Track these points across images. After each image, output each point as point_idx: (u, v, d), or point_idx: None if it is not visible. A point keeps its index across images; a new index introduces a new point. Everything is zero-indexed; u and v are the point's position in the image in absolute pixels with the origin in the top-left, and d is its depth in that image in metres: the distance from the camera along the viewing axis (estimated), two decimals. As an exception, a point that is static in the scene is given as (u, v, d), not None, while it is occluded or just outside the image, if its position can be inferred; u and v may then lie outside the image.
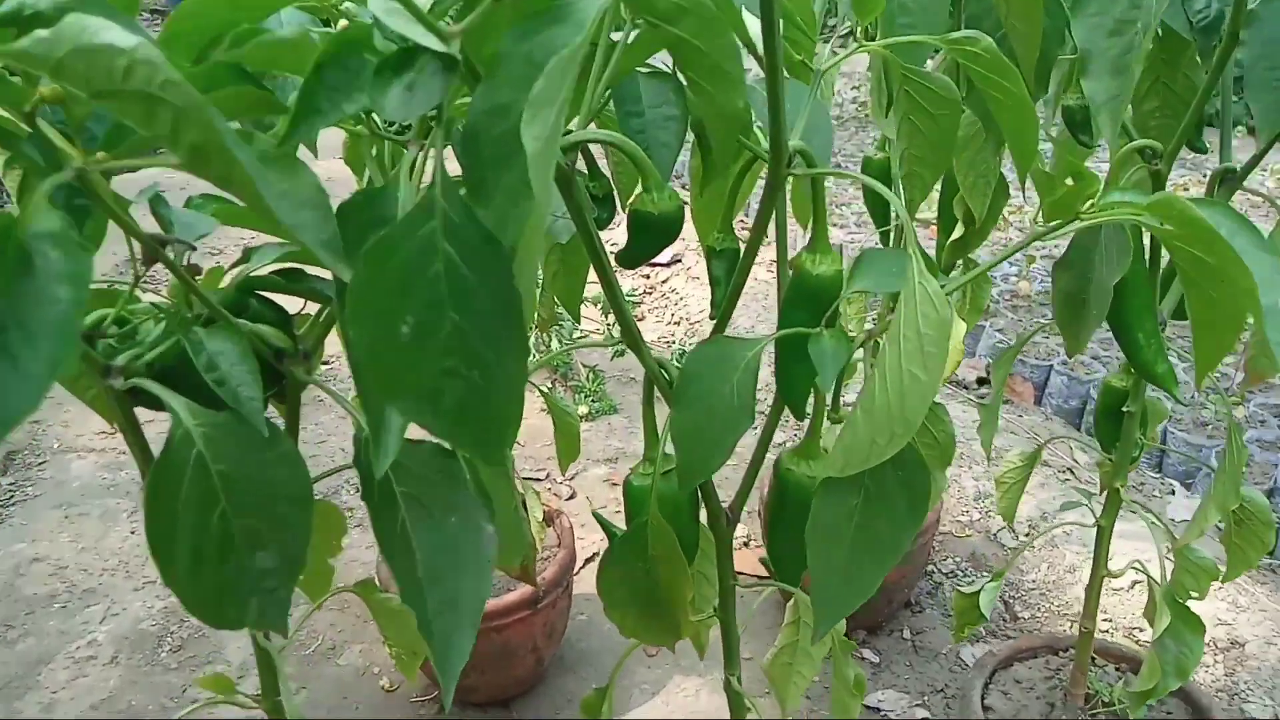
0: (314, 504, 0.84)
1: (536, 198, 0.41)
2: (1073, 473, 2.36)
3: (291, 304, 0.74)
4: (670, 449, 0.79)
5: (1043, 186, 0.65)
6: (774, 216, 0.72)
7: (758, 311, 3.36)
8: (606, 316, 3.26)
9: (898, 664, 1.86)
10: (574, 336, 3.20)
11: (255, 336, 0.66)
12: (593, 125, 0.65)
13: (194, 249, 0.66)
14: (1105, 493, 1.48)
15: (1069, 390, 2.75)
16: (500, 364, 0.45)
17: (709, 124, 0.59)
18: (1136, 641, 1.87)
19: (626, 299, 3.11)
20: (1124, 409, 1.21)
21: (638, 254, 0.68)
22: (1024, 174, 0.64)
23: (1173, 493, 2.33)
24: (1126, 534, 2.04)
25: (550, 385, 3.00)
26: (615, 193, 0.82)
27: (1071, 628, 1.89)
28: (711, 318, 0.92)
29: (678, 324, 3.48)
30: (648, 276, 3.76)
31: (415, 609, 0.64)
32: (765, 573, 0.98)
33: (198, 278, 0.66)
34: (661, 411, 0.80)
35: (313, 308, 0.73)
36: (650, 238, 0.66)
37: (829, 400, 0.88)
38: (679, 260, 3.84)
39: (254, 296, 0.73)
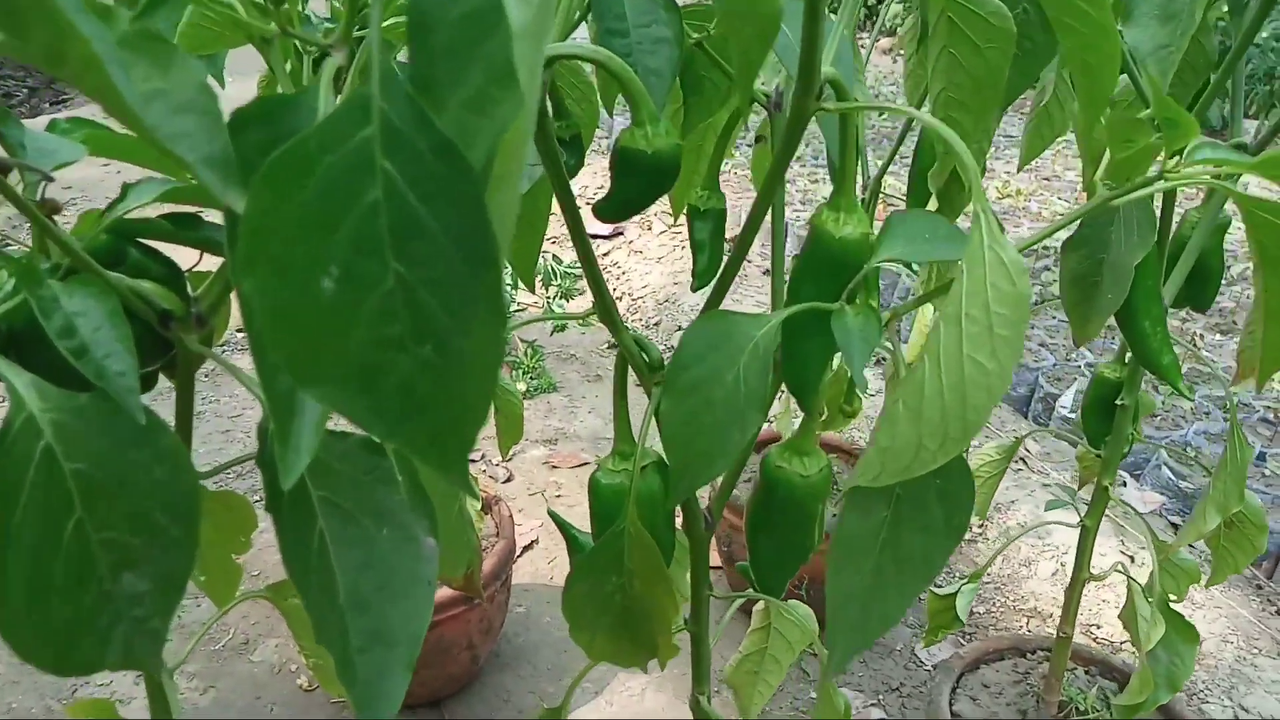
0: (205, 503, 0.69)
1: (522, 91, 0.28)
2: (1025, 463, 2.31)
3: (188, 257, 0.59)
4: (656, 442, 0.67)
5: (1117, 139, 0.55)
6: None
7: (703, 290, 3.25)
8: (546, 289, 3.11)
9: (862, 664, 1.77)
10: (511, 309, 3.05)
11: (134, 294, 0.52)
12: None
13: (50, 179, 0.51)
14: (1085, 489, 1.40)
15: (1017, 378, 2.71)
16: (464, 333, 0.32)
17: (729, 27, 0.47)
18: (1094, 639, 1.82)
19: (565, 273, 2.96)
20: (1117, 402, 1.13)
21: (625, 203, 0.55)
22: (1091, 125, 0.53)
23: (1124, 484, 2.29)
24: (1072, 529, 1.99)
25: (487, 361, 2.85)
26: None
27: (1029, 624, 1.84)
28: (693, 289, 0.79)
29: (619, 299, 3.35)
30: (590, 250, 3.61)
31: (332, 646, 0.50)
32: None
33: (55, 217, 0.51)
34: (635, 402, 0.68)
35: (214, 262, 0.59)
36: (641, 182, 0.53)
37: (845, 389, 0.78)
38: (620, 233, 3.71)
39: (135, 245, 0.58)
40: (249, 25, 0.50)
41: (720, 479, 0.78)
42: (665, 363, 0.68)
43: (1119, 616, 1.29)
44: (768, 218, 0.61)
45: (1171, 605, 1.14)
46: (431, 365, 0.33)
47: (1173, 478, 2.18)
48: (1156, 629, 1.06)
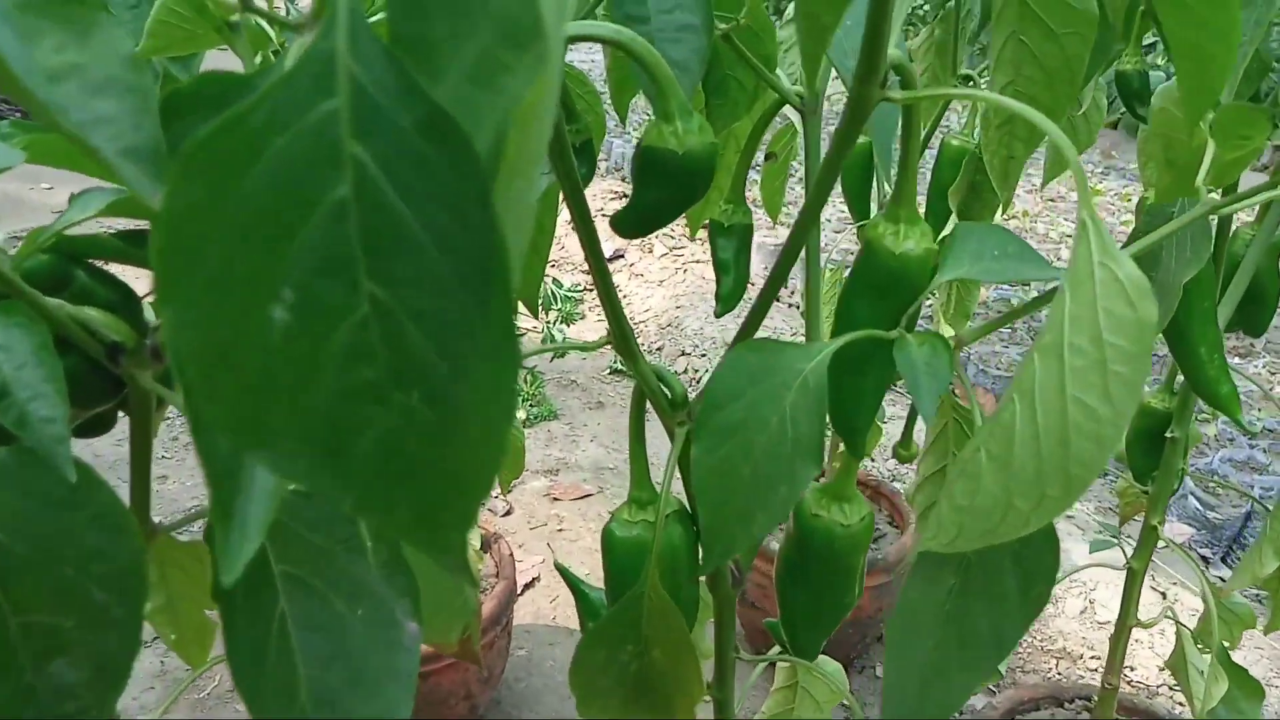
0: (173, 554, 0.61)
1: (548, 49, 0.21)
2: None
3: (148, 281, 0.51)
4: (676, 486, 0.59)
5: (1227, 135, 0.47)
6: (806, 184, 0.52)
7: (705, 313, 3.18)
8: (546, 313, 3.04)
9: (872, 707, 1.68)
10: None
11: (76, 324, 0.44)
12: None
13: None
14: (1127, 525, 1.32)
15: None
16: (462, 377, 0.24)
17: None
18: (1127, 682, 1.72)
19: (566, 297, 2.90)
20: (1167, 434, 1.05)
21: (649, 212, 0.47)
22: (1197, 118, 0.45)
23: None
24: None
25: (486, 389, 2.76)
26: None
27: (1059, 665, 1.74)
28: (717, 314, 0.72)
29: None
30: (588, 273, 3.54)
31: None
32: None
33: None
34: (653, 438, 0.60)
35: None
36: (670, 188, 0.46)
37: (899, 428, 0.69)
38: (621, 255, 3.64)
39: (82, 267, 0.51)
40: (215, 6, 0.42)
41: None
42: (690, 399, 0.60)
43: (1166, 664, 1.20)
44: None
45: (1230, 656, 1.06)
46: (420, 420, 0.25)
47: (1200, 508, 2.10)
48: (1218, 685, 0.97)
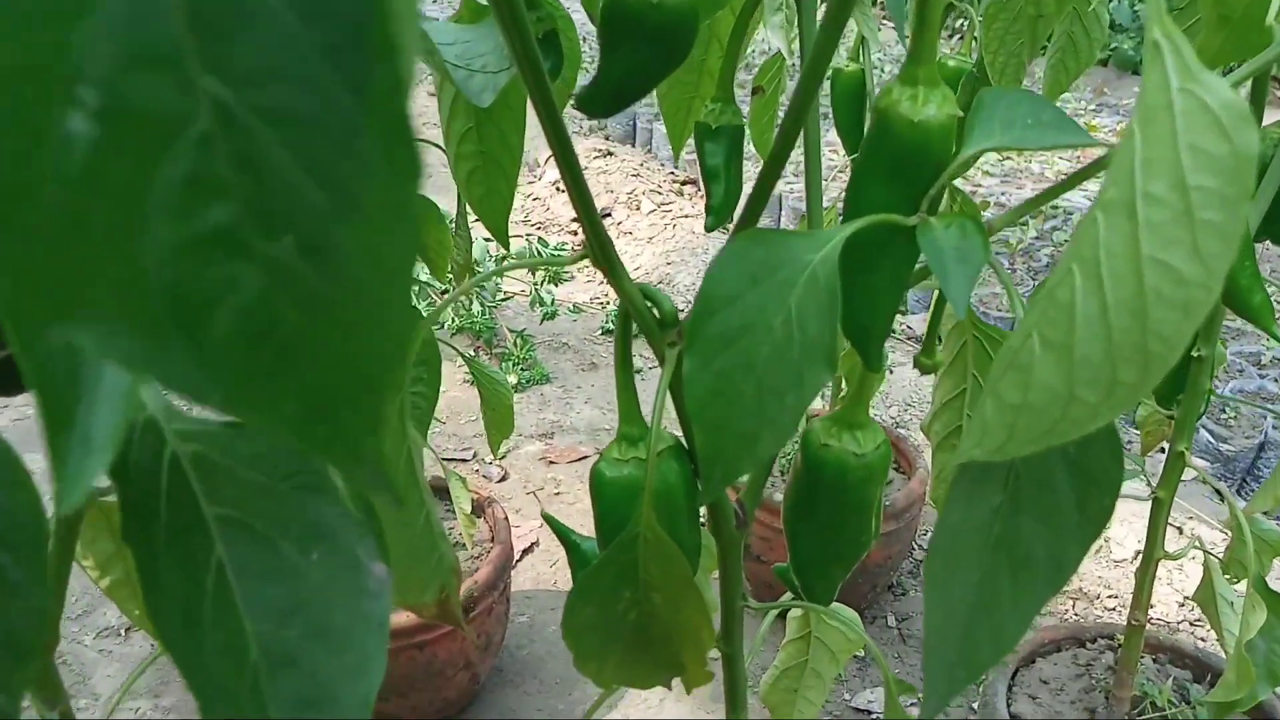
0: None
1: None
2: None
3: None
4: (670, 422, 0.52)
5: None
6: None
7: (698, 268, 3.10)
8: (533, 273, 2.96)
9: (884, 656, 1.63)
10: (497, 297, 2.90)
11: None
12: None
13: None
14: (1145, 455, 1.26)
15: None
16: (350, 213, 0.17)
17: None
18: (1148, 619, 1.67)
19: (553, 255, 2.84)
20: (1193, 353, 0.98)
21: (618, 86, 0.40)
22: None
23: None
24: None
25: (474, 352, 2.70)
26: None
27: (1075, 607, 1.70)
28: (707, 228, 0.64)
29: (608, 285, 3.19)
30: (575, 232, 3.46)
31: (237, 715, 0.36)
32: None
33: None
34: (645, 383, 0.53)
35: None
36: (643, 53, 0.39)
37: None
38: (608, 214, 3.56)
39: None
40: None
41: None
42: (680, 318, 0.53)
43: (1193, 598, 1.15)
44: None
45: (1266, 583, 1.00)
46: (297, 279, 0.18)
47: (1212, 440, 2.04)
48: (1256, 614, 0.91)
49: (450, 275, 2.96)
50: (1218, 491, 1.99)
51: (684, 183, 3.92)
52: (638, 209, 3.64)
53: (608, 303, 3.08)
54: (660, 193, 3.78)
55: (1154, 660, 1.25)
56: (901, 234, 0.42)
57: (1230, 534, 1.12)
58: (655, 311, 0.53)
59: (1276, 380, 2.26)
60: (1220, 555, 1.13)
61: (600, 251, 0.50)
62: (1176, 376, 1.02)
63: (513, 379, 2.61)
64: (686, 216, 3.51)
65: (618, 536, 0.49)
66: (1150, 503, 1.12)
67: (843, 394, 1.61)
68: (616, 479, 0.57)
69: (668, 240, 3.34)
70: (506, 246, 0.74)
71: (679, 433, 0.58)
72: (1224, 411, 2.15)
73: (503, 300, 2.95)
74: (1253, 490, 2.00)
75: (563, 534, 0.66)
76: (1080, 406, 0.32)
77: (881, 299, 0.44)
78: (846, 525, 0.62)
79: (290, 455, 0.38)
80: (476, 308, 2.90)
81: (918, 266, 0.47)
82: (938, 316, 0.45)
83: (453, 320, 2.78)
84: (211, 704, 0.34)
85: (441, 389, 2.46)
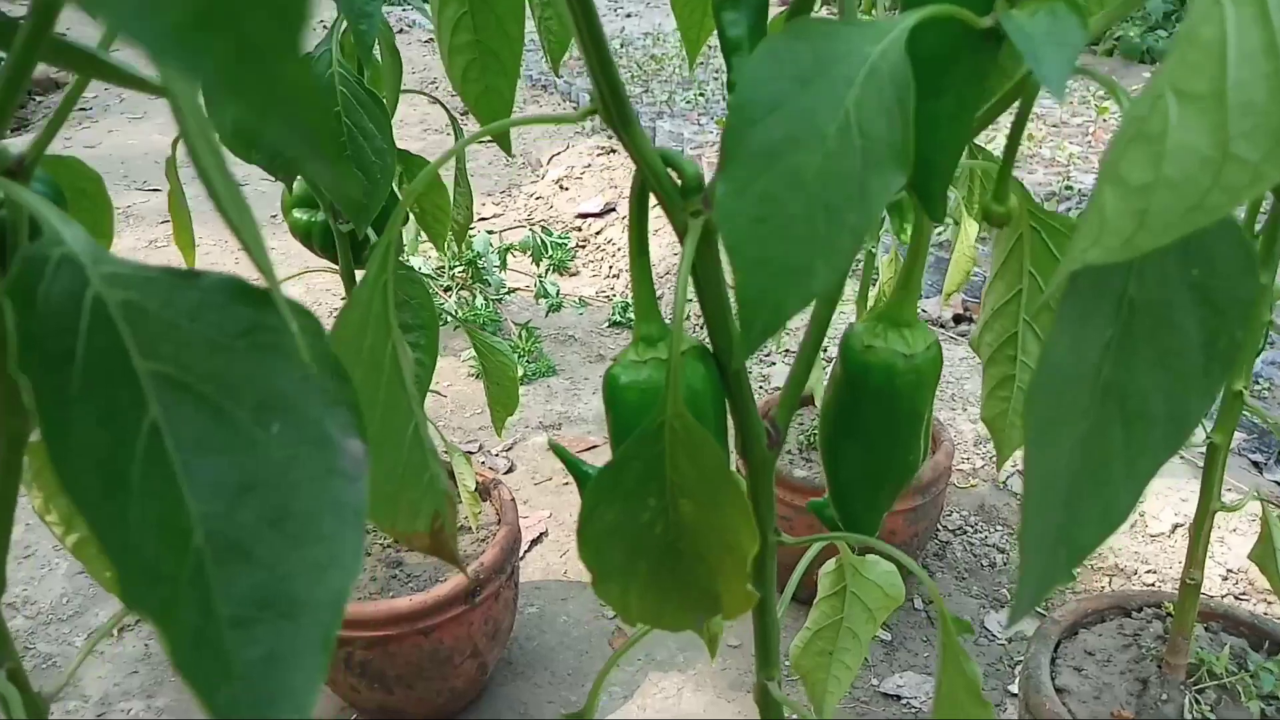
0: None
1: None
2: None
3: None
4: (694, 321, 0.46)
5: None
6: None
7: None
8: (538, 265, 2.90)
9: (913, 640, 1.55)
10: (501, 291, 2.83)
11: None
12: None
13: None
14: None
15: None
16: None
17: None
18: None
19: (556, 244, 2.76)
20: (1248, 284, 0.91)
21: None
22: None
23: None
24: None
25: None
26: None
27: (1111, 583, 1.62)
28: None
29: (616, 277, 3.13)
30: (579, 228, 3.40)
31: (175, 621, 0.29)
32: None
33: None
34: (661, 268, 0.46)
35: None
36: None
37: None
38: (613, 209, 3.49)
39: None
40: None
41: (788, 378, 0.57)
42: (705, 183, 0.46)
43: (1249, 557, 1.07)
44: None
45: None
46: None
47: (1246, 413, 1.96)
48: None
49: (450, 246, 2.87)
50: (1254, 464, 1.91)
51: (688, 178, 3.85)
52: (642, 203, 3.57)
53: (614, 295, 3.01)
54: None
55: (1206, 629, 1.17)
56: (970, 42, 0.36)
57: (1288, 487, 1.05)
58: (677, 176, 0.46)
59: (1309, 352, 2.19)
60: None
61: (613, 103, 0.43)
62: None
63: (519, 371, 2.54)
64: (691, 209, 3.44)
65: (639, 427, 0.42)
66: (1196, 460, 1.05)
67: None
68: (634, 383, 0.50)
69: (672, 232, 3.28)
70: (509, 153, 0.67)
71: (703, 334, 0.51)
72: (1257, 383, 2.07)
73: (506, 294, 2.88)
74: (1289, 463, 1.92)
75: (571, 463, 0.59)
76: (1237, 168, 0.25)
77: (946, 127, 0.38)
78: (895, 439, 0.55)
79: (242, 306, 0.32)
80: (480, 301, 2.84)
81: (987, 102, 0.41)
82: (1013, 149, 0.38)
83: (456, 314, 2.71)
84: (136, 584, 0.27)
85: (446, 383, 2.40)
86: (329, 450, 0.31)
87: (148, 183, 4.36)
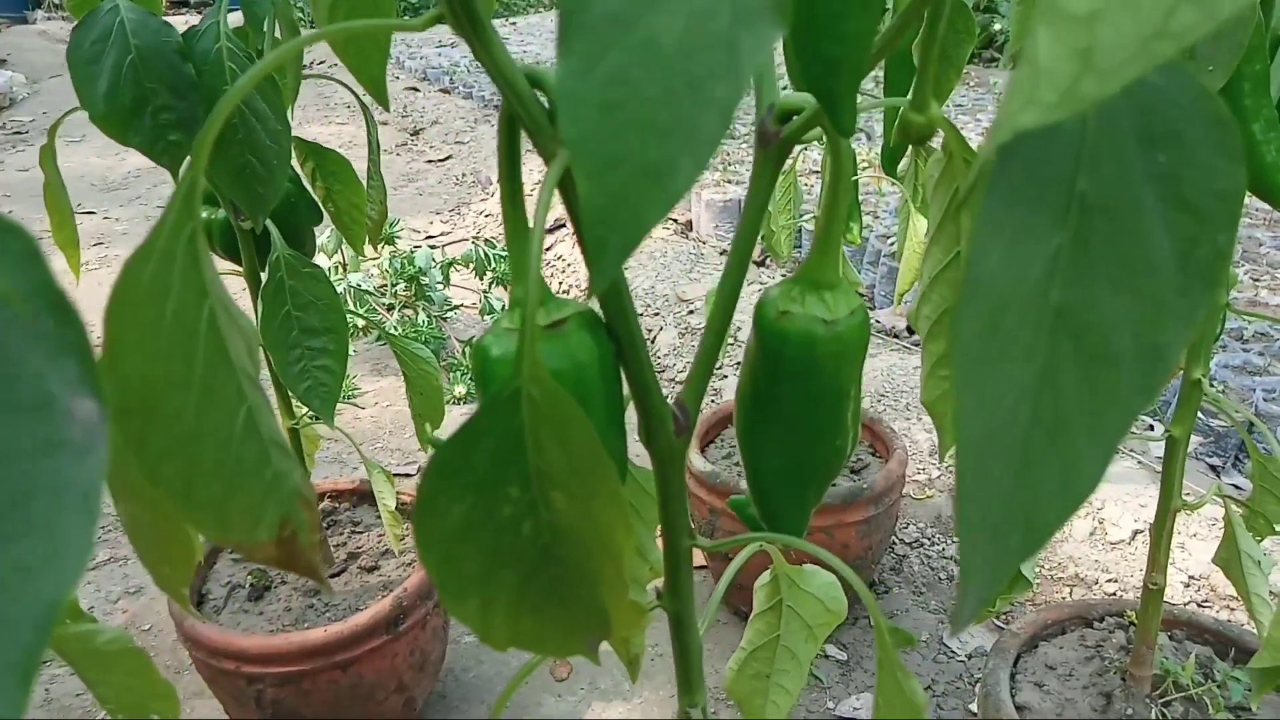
0: None
1: None
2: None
3: None
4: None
5: None
6: None
7: (656, 271, 2.97)
8: (481, 278, 2.81)
9: (869, 659, 1.48)
10: (444, 307, 2.74)
11: None
12: None
13: None
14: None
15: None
16: None
17: None
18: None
19: (500, 257, 2.68)
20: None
21: None
22: None
23: (1150, 427, 2.03)
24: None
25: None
26: None
27: (1072, 594, 1.55)
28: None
29: (565, 293, 3.05)
30: (529, 246, 3.31)
31: None
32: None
33: None
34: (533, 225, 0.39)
35: None
36: None
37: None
38: (563, 225, 3.42)
39: None
40: None
41: (697, 354, 0.49)
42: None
43: (1213, 560, 1.01)
44: None
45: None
46: None
47: (1203, 416, 1.92)
48: (1305, 557, 0.77)
49: (392, 263, 2.77)
50: (1211, 468, 1.87)
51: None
52: (592, 219, 3.51)
53: (562, 311, 2.93)
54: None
55: (1170, 637, 1.11)
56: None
57: (1251, 486, 0.99)
58: (543, 100, 0.38)
59: (1261, 354, 2.17)
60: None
61: (461, 8, 0.35)
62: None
63: (461, 389, 2.44)
64: (642, 224, 3.39)
65: (491, 394, 0.34)
66: (1155, 465, 0.99)
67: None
68: (507, 356, 0.42)
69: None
70: (386, 106, 0.59)
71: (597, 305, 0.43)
72: (1210, 386, 2.04)
73: (450, 311, 2.79)
74: (1246, 466, 1.88)
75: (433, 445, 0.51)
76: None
77: (855, 14, 0.30)
78: (818, 421, 0.48)
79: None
80: (422, 318, 2.75)
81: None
82: (931, 37, 0.31)
83: (395, 329, 2.61)
84: None
85: (386, 403, 2.27)
86: (49, 414, 0.23)
87: (82, 205, 4.21)
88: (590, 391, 0.43)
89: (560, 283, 3.11)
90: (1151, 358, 0.26)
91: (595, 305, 0.45)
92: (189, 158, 0.92)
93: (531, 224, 0.37)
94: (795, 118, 0.40)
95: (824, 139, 0.44)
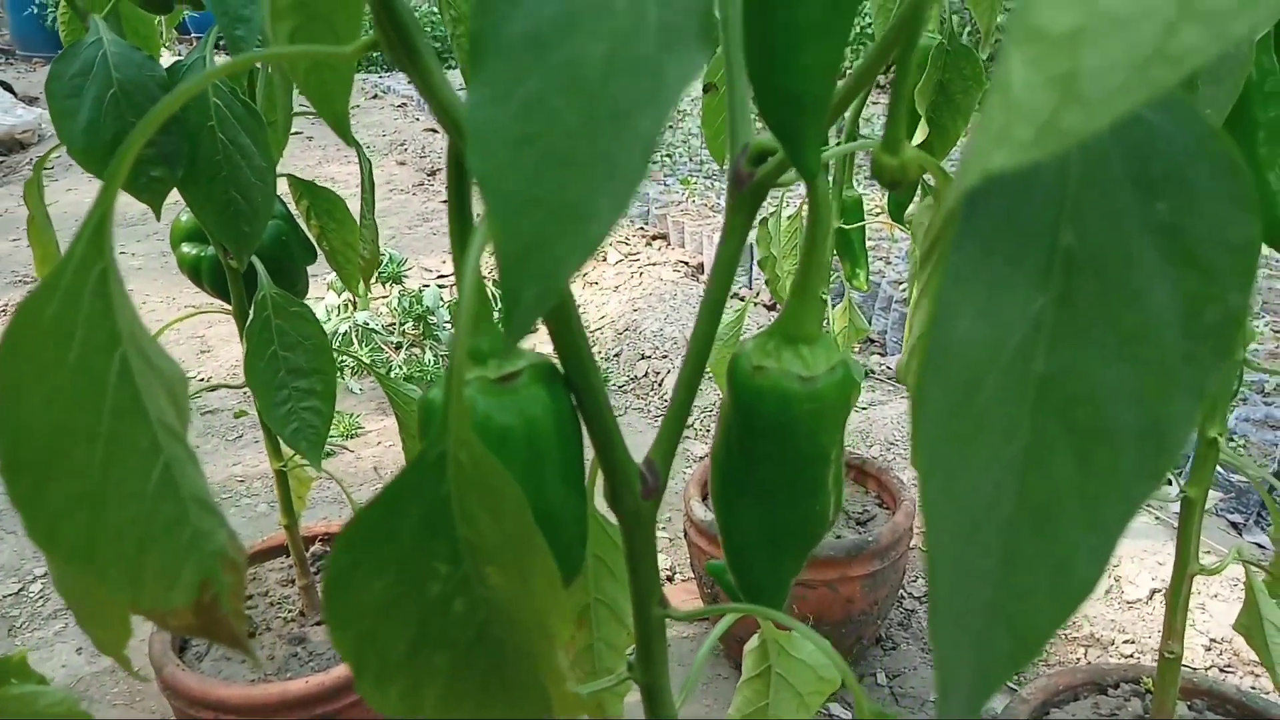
0: None
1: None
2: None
3: None
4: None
5: None
6: None
7: (665, 313, 2.94)
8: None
9: None
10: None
11: None
12: None
13: None
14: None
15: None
16: None
17: None
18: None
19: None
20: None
21: None
22: None
23: (1169, 482, 1.97)
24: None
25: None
26: None
27: (1088, 654, 1.49)
28: None
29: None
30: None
31: None
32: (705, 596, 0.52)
33: None
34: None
35: None
36: None
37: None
38: (574, 266, 3.41)
39: None
40: None
41: (666, 414, 0.45)
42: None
43: (1234, 627, 0.96)
44: None
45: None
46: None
47: (1223, 471, 1.86)
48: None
49: (401, 301, 2.76)
50: (1233, 525, 1.80)
51: (653, 237, 3.79)
52: (604, 259, 3.50)
53: (569, 352, 2.91)
54: (628, 244, 3.65)
55: (1189, 707, 1.05)
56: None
57: (1276, 546, 0.94)
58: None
59: (1283, 407, 2.11)
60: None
61: (394, 32, 0.32)
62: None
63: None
64: (654, 264, 3.37)
65: (416, 457, 0.30)
66: (1173, 521, 0.95)
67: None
68: (476, 419, 0.38)
69: (634, 288, 3.19)
70: (349, 141, 0.56)
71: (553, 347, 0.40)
72: (1231, 441, 1.98)
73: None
74: (1269, 524, 1.82)
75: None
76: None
77: (814, 44, 0.27)
78: (794, 486, 0.44)
79: None
80: (429, 357, 2.72)
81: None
82: (905, 78, 0.28)
83: (400, 368, 2.59)
84: None
85: (388, 443, 2.23)
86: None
87: (97, 238, 4.23)
88: (544, 449, 0.39)
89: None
90: (1155, 435, 0.22)
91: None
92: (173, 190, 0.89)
93: (468, 269, 0.33)
94: (770, 159, 0.37)
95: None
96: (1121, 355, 0.21)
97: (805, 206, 0.39)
